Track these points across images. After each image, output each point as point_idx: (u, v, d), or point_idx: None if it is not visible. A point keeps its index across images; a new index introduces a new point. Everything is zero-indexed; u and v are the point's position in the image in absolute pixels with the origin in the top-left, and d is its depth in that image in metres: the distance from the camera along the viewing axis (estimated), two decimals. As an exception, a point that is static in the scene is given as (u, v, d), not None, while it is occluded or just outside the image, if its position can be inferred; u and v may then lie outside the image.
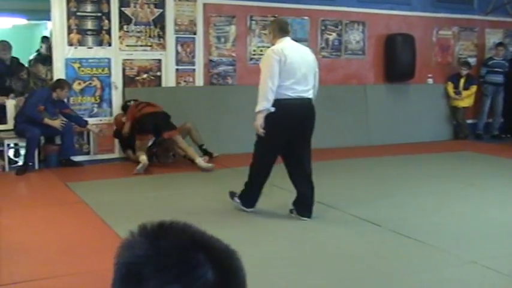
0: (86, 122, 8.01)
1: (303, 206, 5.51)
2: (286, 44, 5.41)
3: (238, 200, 5.74)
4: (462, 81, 10.77)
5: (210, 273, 0.91)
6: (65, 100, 7.94)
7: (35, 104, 7.59)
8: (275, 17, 9.34)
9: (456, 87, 10.80)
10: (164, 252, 0.91)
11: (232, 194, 5.85)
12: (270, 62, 5.25)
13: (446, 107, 10.98)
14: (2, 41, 9.22)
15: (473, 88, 10.82)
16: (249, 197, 5.68)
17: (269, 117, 5.27)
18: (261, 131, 5.29)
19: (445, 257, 4.58)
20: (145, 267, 0.91)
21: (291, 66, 5.26)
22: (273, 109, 5.23)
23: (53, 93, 7.70)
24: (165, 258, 0.91)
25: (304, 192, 5.50)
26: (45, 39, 10.58)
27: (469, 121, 11.13)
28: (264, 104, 5.23)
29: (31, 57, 10.41)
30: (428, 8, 10.71)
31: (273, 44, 5.51)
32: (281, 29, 5.51)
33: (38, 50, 10.57)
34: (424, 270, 4.30)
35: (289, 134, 5.39)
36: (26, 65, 9.54)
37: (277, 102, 5.24)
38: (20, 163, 7.88)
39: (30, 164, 7.57)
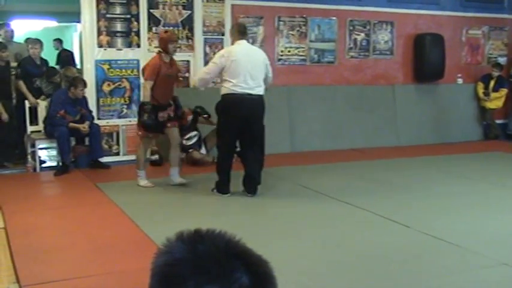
0: (91, 121, 7.96)
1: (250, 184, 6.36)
2: (238, 46, 6.29)
3: (215, 191, 6.48)
4: (492, 82, 10.63)
5: (245, 278, 0.94)
6: (86, 99, 7.97)
7: (55, 110, 7.67)
8: (303, 17, 9.35)
9: (486, 88, 10.67)
10: (202, 255, 0.94)
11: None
12: (216, 58, 6.37)
13: (476, 107, 10.86)
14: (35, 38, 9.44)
15: (503, 91, 10.66)
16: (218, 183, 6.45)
17: (221, 107, 6.38)
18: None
19: (477, 258, 4.53)
20: (184, 269, 0.93)
21: (237, 66, 6.13)
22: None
23: (68, 92, 7.78)
24: (203, 261, 0.93)
25: (251, 172, 6.34)
26: (58, 41, 10.79)
27: (499, 121, 10.99)
28: (199, 80, 6.56)
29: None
30: (457, 7, 10.60)
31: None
32: (239, 32, 6.38)
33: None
34: (454, 272, 4.26)
35: (238, 123, 6.20)
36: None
37: (226, 96, 6.23)
38: (54, 164, 7.94)
39: (68, 163, 7.64)
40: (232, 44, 6.42)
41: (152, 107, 6.52)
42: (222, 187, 6.36)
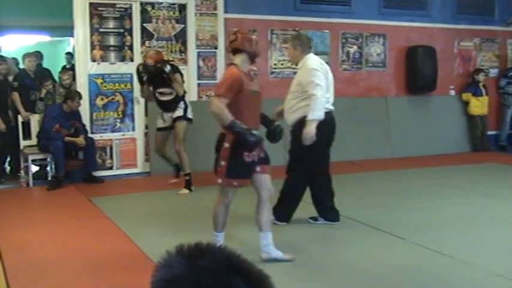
0: (85, 135, 7.95)
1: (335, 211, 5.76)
2: (317, 59, 5.60)
3: (322, 219, 5.78)
4: (482, 88, 10.68)
5: None
6: (80, 112, 7.97)
7: (50, 125, 7.68)
8: (296, 30, 9.38)
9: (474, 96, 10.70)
10: (201, 271, 0.93)
11: (313, 218, 5.83)
12: (317, 75, 5.35)
13: (468, 119, 10.88)
14: (35, 51, 9.49)
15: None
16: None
17: (323, 126, 5.39)
18: (311, 141, 5.31)
19: (472, 270, 4.52)
20: (182, 285, 0.92)
21: (328, 80, 5.51)
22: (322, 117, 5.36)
23: (63, 105, 7.77)
24: (202, 277, 0.92)
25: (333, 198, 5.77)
26: (69, 55, 10.76)
27: (491, 132, 11.03)
28: (320, 113, 5.31)
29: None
30: (449, 19, 10.67)
31: (294, 59, 5.69)
32: (307, 45, 5.62)
33: (64, 66, 10.72)
34: (450, 284, 4.26)
35: (330, 143, 5.70)
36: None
37: (325, 115, 5.42)
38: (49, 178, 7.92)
39: (61, 178, 7.62)
40: (299, 58, 5.55)
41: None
42: (288, 215, 5.73)
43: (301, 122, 5.37)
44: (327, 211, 5.77)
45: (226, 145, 4.54)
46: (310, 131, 5.26)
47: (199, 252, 0.97)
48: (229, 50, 4.87)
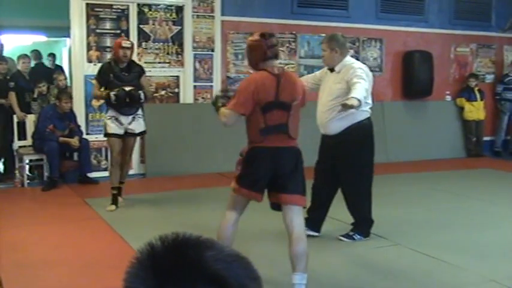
0: (80, 136, 7.94)
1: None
2: (357, 61, 5.32)
3: (358, 236, 5.39)
4: (477, 93, 10.71)
5: None
6: (75, 113, 7.96)
7: (44, 125, 7.67)
8: (293, 34, 9.40)
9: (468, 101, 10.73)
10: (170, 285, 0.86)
11: (346, 236, 5.41)
12: (362, 74, 4.92)
13: (461, 124, 10.90)
14: (32, 50, 9.46)
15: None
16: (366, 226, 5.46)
17: (366, 134, 5.26)
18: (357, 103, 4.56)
19: (465, 275, 4.54)
20: None
21: (370, 85, 5.04)
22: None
23: (56, 107, 7.77)
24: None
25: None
26: (52, 56, 10.84)
27: (487, 138, 11.05)
28: (362, 97, 4.60)
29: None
30: (446, 25, 10.70)
31: (331, 62, 5.19)
32: (345, 46, 5.30)
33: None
34: (443, 289, 4.26)
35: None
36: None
37: (368, 122, 5.25)
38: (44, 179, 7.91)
39: (56, 179, 7.61)
40: (337, 59, 5.14)
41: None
42: (369, 229, 5.46)
43: (352, 130, 5.11)
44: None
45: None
46: (354, 102, 4.50)
47: (173, 259, 0.89)
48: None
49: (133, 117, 6.53)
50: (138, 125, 6.59)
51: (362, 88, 4.68)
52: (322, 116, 5.26)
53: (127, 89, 6.32)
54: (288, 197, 4.02)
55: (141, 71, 6.67)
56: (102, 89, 6.42)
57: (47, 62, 10.92)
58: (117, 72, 6.39)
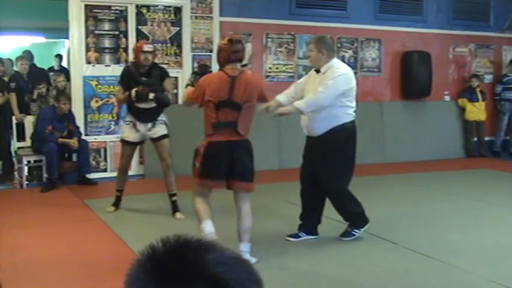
0: (79, 137, 7.93)
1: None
2: (344, 64, 5.37)
3: (357, 230, 5.45)
4: (478, 94, 10.72)
5: None
6: (73, 115, 7.97)
7: (43, 127, 7.68)
8: (291, 34, 9.40)
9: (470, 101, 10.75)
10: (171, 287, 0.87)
11: (346, 234, 5.46)
12: (338, 80, 5.06)
13: (461, 124, 10.91)
14: (24, 51, 9.46)
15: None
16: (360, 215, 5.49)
17: (346, 137, 5.27)
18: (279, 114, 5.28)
19: (464, 276, 4.53)
20: None
21: (354, 88, 5.23)
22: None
23: (56, 109, 7.78)
24: None
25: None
26: (59, 57, 10.79)
27: (486, 138, 11.05)
28: (308, 110, 5.05)
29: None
30: (444, 25, 10.71)
31: (317, 63, 5.25)
32: (332, 49, 5.36)
33: (51, 67, 10.72)
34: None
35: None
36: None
37: (351, 125, 5.26)
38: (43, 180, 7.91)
39: (55, 180, 7.62)
40: (323, 62, 5.18)
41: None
42: (363, 217, 5.50)
43: (335, 132, 5.17)
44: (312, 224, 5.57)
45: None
46: (288, 110, 5.13)
47: (174, 263, 0.89)
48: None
49: (154, 124, 6.35)
50: (158, 130, 6.38)
51: (315, 99, 5.02)
52: (305, 116, 5.27)
53: (151, 95, 6.15)
54: (239, 184, 4.69)
55: (164, 74, 6.46)
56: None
57: (53, 63, 10.93)
58: (136, 76, 6.20)
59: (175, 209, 6.35)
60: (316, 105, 5.03)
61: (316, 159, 5.33)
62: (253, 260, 4.47)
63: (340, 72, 5.11)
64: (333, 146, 5.21)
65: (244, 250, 4.65)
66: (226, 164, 4.61)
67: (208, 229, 4.68)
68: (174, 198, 6.38)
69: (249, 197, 4.79)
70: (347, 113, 5.20)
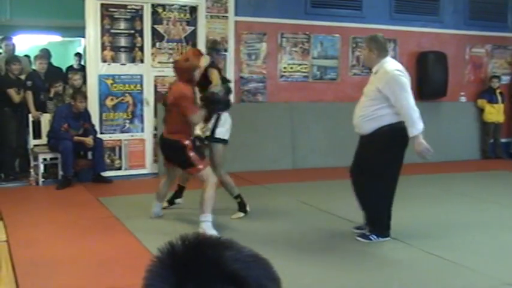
0: (94, 135, 8.00)
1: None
2: (396, 62, 5.28)
3: (375, 237, 5.32)
4: (498, 95, 10.66)
5: None
6: (89, 113, 8.01)
7: (59, 124, 7.73)
8: (306, 34, 9.39)
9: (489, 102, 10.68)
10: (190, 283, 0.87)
11: (363, 236, 5.37)
12: (400, 81, 5.04)
13: (479, 125, 10.84)
14: (42, 49, 9.51)
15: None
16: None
17: (392, 137, 5.17)
18: (430, 152, 5.21)
19: (480, 278, 4.50)
20: None
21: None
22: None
23: (72, 106, 7.83)
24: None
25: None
26: (78, 56, 10.82)
27: (503, 140, 10.98)
28: (420, 125, 5.10)
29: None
30: (461, 25, 10.64)
31: (369, 62, 5.32)
32: (384, 48, 5.27)
33: (70, 66, 10.77)
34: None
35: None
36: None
37: (399, 125, 5.13)
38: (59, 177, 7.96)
39: (70, 177, 7.67)
40: (375, 62, 5.21)
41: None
42: (387, 230, 5.40)
43: (382, 131, 5.13)
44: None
45: (187, 142, 5.57)
46: (421, 143, 5.14)
47: (193, 258, 0.89)
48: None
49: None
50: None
51: (408, 115, 5.04)
52: (356, 115, 5.33)
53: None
54: (189, 170, 5.77)
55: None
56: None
57: (70, 61, 10.98)
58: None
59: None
60: (412, 117, 5.04)
61: (363, 158, 5.32)
62: (213, 232, 5.08)
63: (395, 70, 5.06)
64: (377, 146, 5.16)
65: (204, 220, 5.47)
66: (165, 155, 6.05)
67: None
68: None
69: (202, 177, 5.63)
70: (396, 112, 5.10)
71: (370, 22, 9.84)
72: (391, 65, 5.15)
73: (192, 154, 5.57)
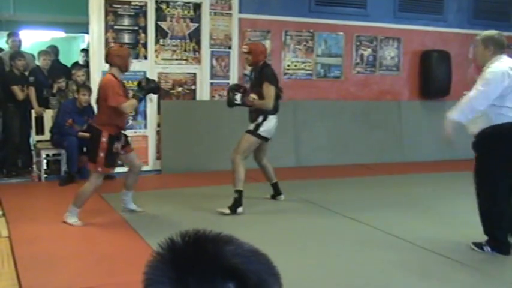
0: None
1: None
2: (507, 62, 4.97)
3: (488, 248, 4.94)
4: None
5: None
6: (93, 109, 8.01)
7: (63, 119, 7.74)
8: (310, 32, 9.38)
9: None
10: (189, 276, 0.88)
11: (477, 244, 5.02)
12: (488, 77, 4.85)
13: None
14: (49, 45, 9.51)
15: None
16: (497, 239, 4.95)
17: (498, 139, 4.88)
18: (450, 139, 5.08)
19: (485, 278, 4.50)
20: None
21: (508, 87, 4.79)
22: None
23: (76, 101, 7.83)
24: (189, 284, 0.87)
25: None
26: (85, 52, 10.82)
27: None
28: (459, 116, 4.96)
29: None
30: (464, 24, 10.61)
31: (482, 60, 5.10)
32: (500, 45, 5.09)
33: (76, 62, 10.77)
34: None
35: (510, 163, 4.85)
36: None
37: (506, 126, 4.82)
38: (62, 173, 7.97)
39: (73, 173, 7.68)
40: (489, 57, 5.02)
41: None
42: (507, 246, 4.90)
43: (486, 133, 4.92)
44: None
45: (104, 139, 5.61)
46: (448, 127, 5.01)
47: (193, 255, 0.90)
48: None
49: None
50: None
51: (463, 102, 4.95)
52: None
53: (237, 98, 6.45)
54: (88, 162, 5.93)
55: (262, 78, 6.44)
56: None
57: (76, 57, 10.98)
58: (248, 75, 6.58)
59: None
60: (463, 106, 4.91)
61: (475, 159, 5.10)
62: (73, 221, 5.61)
63: (491, 69, 4.85)
64: (482, 148, 4.99)
65: (126, 199, 6.13)
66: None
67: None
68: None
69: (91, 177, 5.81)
70: (501, 113, 4.84)
71: (374, 20, 9.84)
72: (497, 64, 4.90)
73: (101, 154, 5.64)
